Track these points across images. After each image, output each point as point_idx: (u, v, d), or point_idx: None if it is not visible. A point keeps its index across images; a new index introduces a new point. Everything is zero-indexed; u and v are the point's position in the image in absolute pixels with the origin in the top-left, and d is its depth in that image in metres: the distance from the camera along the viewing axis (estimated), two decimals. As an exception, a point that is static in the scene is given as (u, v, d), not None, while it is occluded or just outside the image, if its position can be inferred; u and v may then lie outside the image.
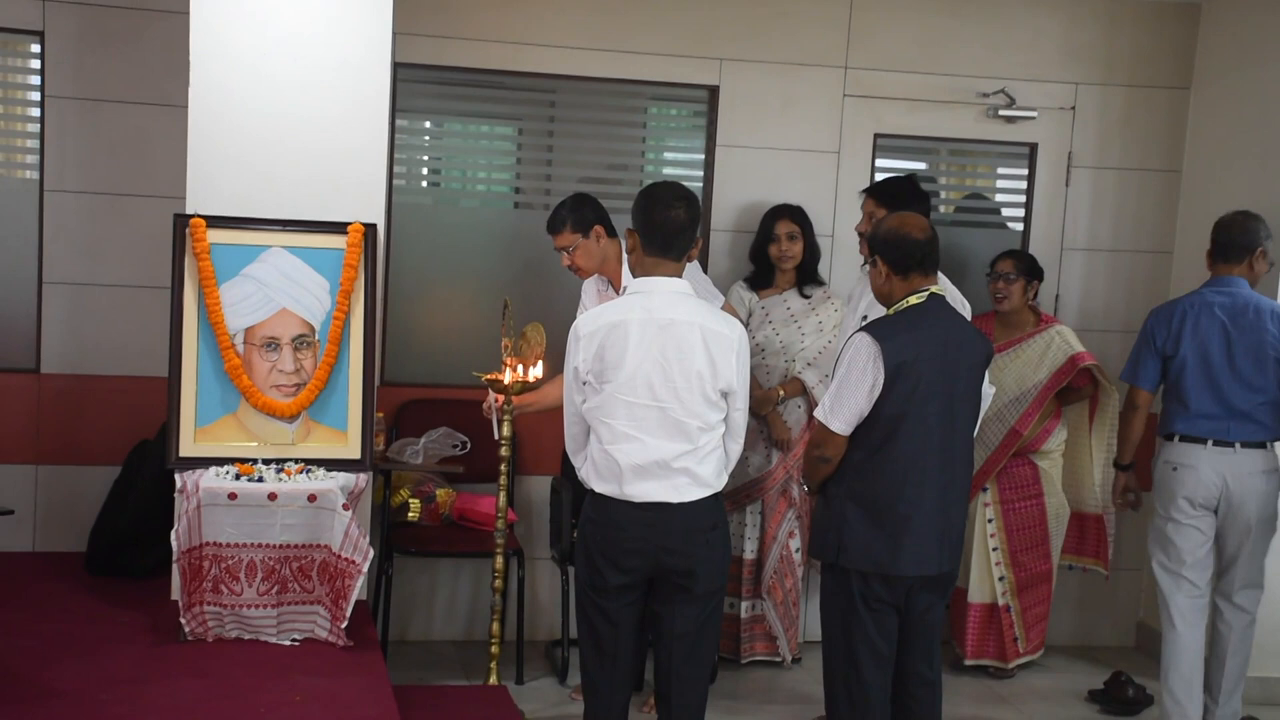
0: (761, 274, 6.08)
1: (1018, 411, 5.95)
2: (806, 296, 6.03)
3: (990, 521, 6.03)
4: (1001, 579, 6.06)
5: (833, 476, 4.29)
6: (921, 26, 6.43)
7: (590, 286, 5.31)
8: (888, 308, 4.34)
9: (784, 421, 5.91)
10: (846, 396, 4.18)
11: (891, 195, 5.18)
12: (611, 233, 5.19)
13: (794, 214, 6.03)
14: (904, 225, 4.29)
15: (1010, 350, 6.03)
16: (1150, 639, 6.63)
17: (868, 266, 4.45)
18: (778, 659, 6.08)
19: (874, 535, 4.20)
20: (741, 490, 5.92)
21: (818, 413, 4.29)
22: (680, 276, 4.11)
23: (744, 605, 6.01)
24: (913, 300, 4.25)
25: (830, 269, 6.28)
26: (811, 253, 6.07)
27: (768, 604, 6.01)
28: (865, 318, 5.03)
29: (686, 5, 6.23)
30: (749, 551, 5.98)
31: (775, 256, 6.01)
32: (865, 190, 5.45)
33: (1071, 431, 6.18)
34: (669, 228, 4.06)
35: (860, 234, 5.37)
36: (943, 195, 6.88)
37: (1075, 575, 6.44)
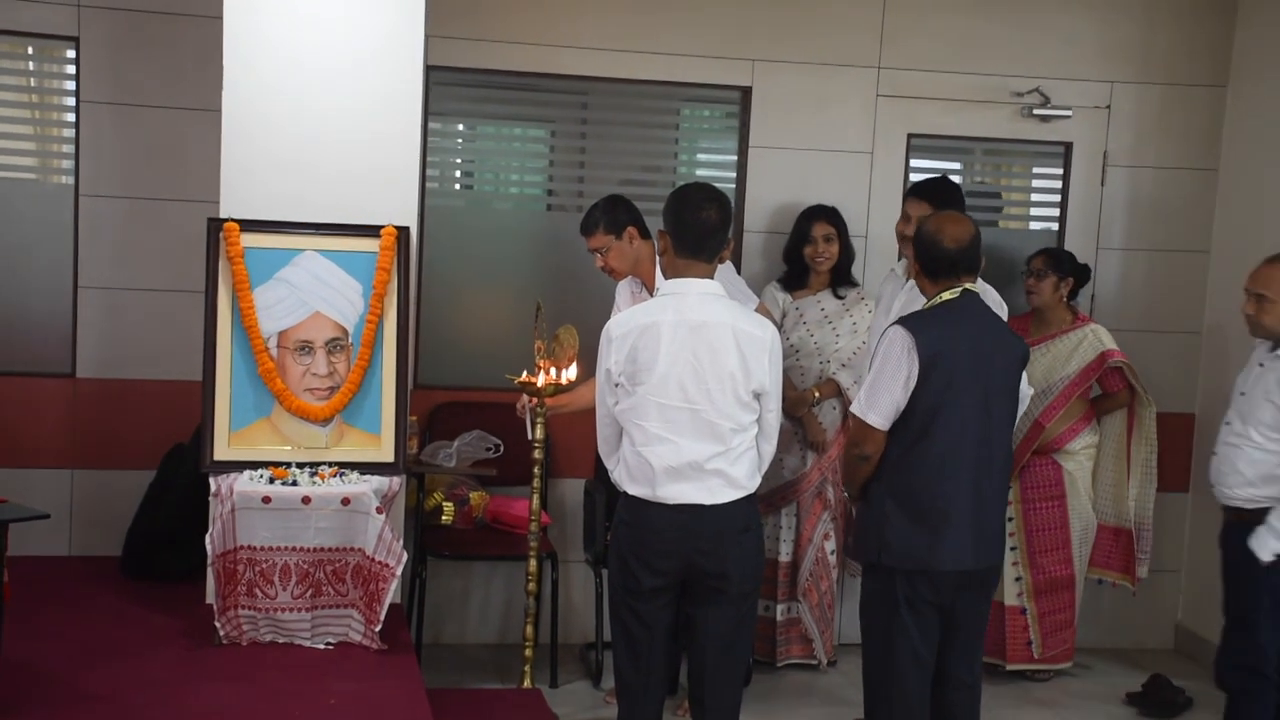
0: (795, 275, 6.05)
1: (1042, 404, 5.89)
2: (840, 297, 6.01)
3: (1010, 520, 5.96)
4: (1018, 579, 6.00)
5: (872, 476, 4.27)
6: (955, 26, 6.40)
7: (624, 288, 5.30)
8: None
9: (819, 423, 5.89)
10: (882, 389, 4.17)
11: (933, 197, 5.15)
12: (645, 234, 5.18)
13: (830, 215, 6.00)
14: (939, 232, 4.27)
15: (1042, 345, 5.99)
16: (1189, 641, 6.58)
17: (897, 265, 4.44)
18: (814, 662, 6.05)
19: (914, 530, 4.19)
20: (777, 493, 5.89)
21: (854, 408, 4.28)
22: (712, 278, 4.09)
23: (779, 608, 5.99)
24: (946, 296, 4.25)
25: (864, 270, 6.25)
26: (846, 254, 6.04)
27: (803, 607, 5.98)
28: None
29: (719, 7, 6.21)
30: (784, 554, 5.95)
31: (810, 258, 5.98)
32: (913, 190, 5.41)
33: (1111, 443, 6.12)
34: (700, 229, 4.05)
35: (900, 235, 5.34)
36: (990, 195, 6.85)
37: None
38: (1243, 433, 4.80)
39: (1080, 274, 6.14)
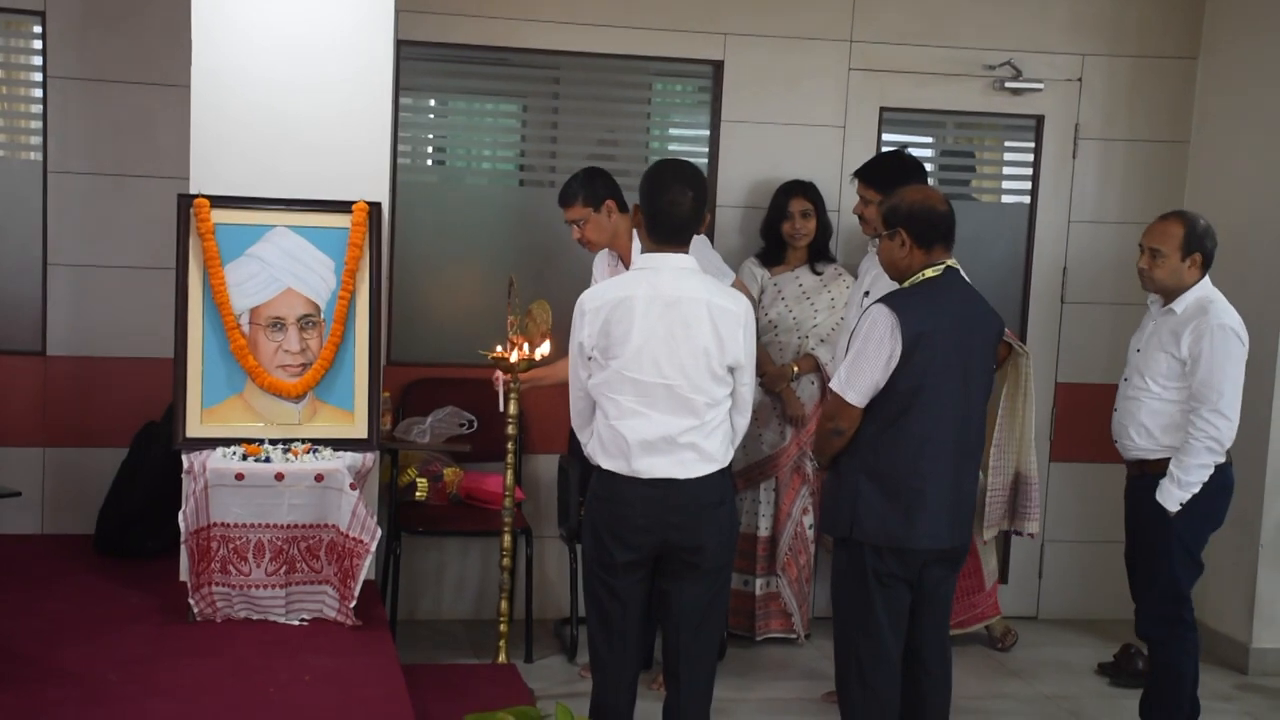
0: (773, 251, 6.04)
1: None
2: (818, 273, 6.01)
3: None
4: None
5: (845, 450, 4.27)
6: (926, -1, 6.40)
7: (601, 261, 5.29)
8: (900, 281, 4.32)
9: (798, 398, 5.89)
10: (863, 367, 4.16)
11: (882, 176, 5.20)
12: (623, 208, 5.17)
13: (807, 191, 6.00)
14: (929, 198, 4.28)
15: None
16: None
17: (876, 242, 4.44)
18: (792, 636, 6.07)
19: (888, 509, 4.20)
20: (755, 467, 5.91)
21: (833, 384, 4.28)
22: (686, 253, 4.08)
23: (759, 582, 6.01)
24: (929, 273, 4.24)
25: (837, 244, 6.24)
26: (824, 230, 6.04)
27: (782, 581, 5.99)
28: (867, 294, 5.03)
29: (691, -20, 6.20)
30: (763, 529, 5.97)
31: (788, 234, 5.97)
32: (855, 173, 5.46)
33: (1007, 399, 5.86)
34: (674, 213, 4.03)
35: (859, 216, 5.39)
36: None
37: (1082, 549, 6.42)
38: (1143, 386, 4.93)
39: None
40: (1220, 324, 4.75)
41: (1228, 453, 4.85)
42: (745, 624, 6.03)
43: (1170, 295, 4.90)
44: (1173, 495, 4.78)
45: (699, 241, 4.55)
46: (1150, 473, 4.89)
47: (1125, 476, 5.09)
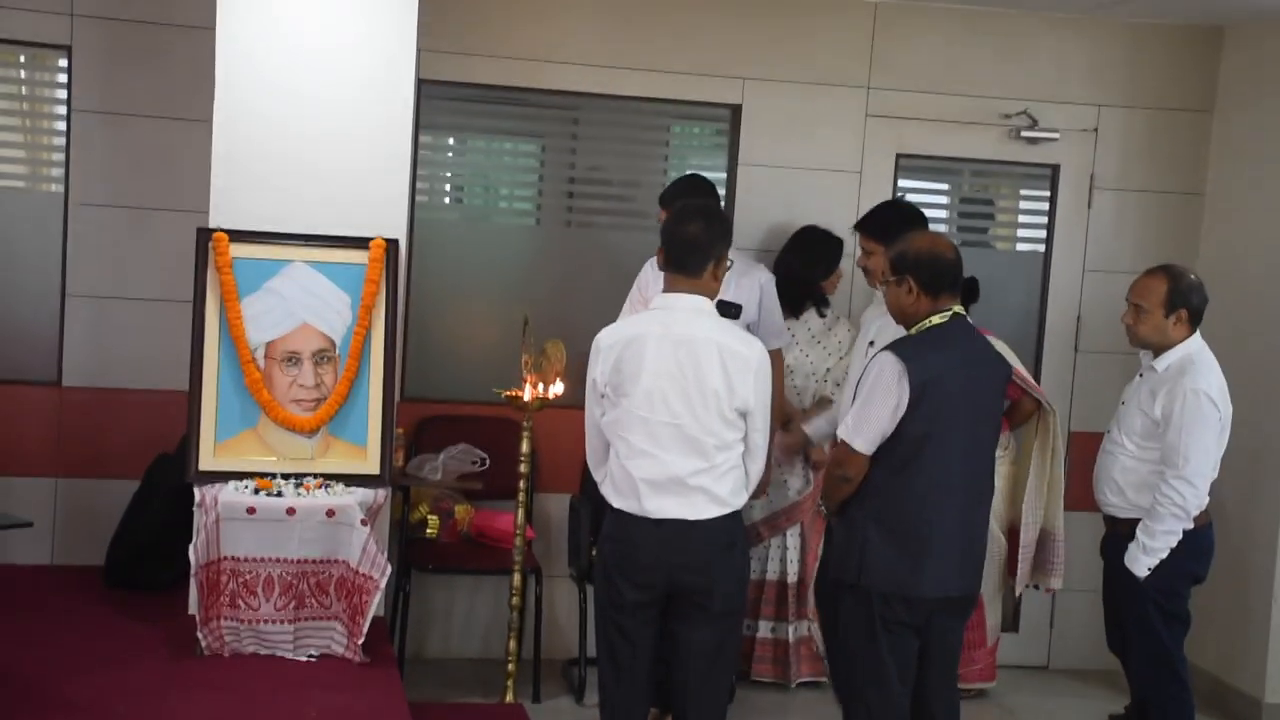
0: (798, 300, 5.96)
1: None
2: (823, 316, 6.04)
3: None
4: None
5: (854, 497, 4.26)
6: (944, 47, 6.42)
7: (649, 266, 5.26)
8: (907, 328, 4.32)
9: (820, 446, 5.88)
10: (870, 415, 4.15)
11: (883, 226, 5.22)
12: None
13: None
14: (936, 245, 4.29)
15: None
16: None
17: (881, 289, 4.45)
18: (824, 679, 6.00)
19: (896, 556, 4.17)
20: (780, 514, 5.89)
21: (840, 431, 4.26)
22: (705, 294, 4.10)
23: (790, 628, 5.97)
24: (935, 320, 4.23)
25: (851, 289, 6.26)
26: None
27: (815, 625, 5.95)
28: (872, 343, 5.03)
29: (710, 24, 6.23)
30: (792, 574, 5.94)
31: (835, 285, 6.04)
32: (855, 226, 5.48)
33: (1038, 454, 5.81)
34: (681, 243, 4.08)
35: (863, 269, 5.42)
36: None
37: (1094, 598, 6.36)
38: (1118, 441, 4.90)
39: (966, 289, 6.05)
40: (1194, 389, 4.66)
41: (1208, 512, 4.78)
42: (781, 672, 6.00)
43: (1158, 351, 4.83)
44: (1140, 561, 4.73)
45: (768, 293, 4.55)
46: (1121, 532, 4.85)
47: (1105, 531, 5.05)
